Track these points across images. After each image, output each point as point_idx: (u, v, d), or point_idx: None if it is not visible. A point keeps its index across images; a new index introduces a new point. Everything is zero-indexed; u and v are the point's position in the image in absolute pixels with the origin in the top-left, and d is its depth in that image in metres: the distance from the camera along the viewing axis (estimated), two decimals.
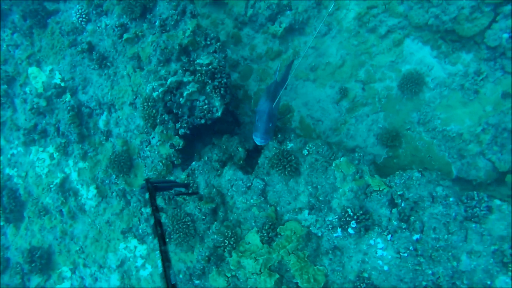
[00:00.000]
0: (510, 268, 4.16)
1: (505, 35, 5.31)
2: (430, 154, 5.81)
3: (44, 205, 6.63)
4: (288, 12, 6.63)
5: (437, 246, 4.41)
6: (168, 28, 5.66)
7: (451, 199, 4.60)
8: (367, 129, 6.29)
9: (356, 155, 5.06)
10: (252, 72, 7.05)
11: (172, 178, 5.49)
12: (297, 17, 6.60)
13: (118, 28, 5.76)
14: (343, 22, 6.58)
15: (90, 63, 6.14)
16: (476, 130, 5.53)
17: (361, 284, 4.44)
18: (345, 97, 6.42)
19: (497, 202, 4.60)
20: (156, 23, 5.71)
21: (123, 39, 5.69)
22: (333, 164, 4.95)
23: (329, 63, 6.58)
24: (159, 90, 5.17)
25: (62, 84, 6.31)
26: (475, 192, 4.63)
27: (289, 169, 4.98)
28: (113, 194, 5.76)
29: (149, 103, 5.40)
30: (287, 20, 6.62)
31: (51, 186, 6.29)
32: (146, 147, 5.53)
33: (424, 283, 4.31)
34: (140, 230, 5.62)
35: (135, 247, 5.63)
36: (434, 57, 6.08)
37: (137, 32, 5.67)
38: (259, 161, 5.36)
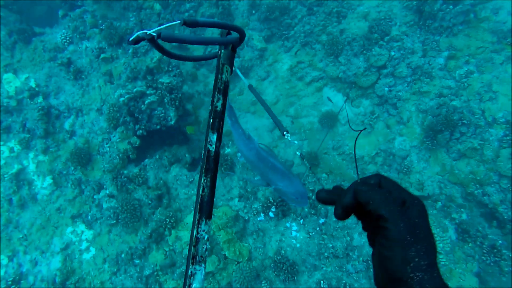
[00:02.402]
0: None
1: (386, 89, 7.43)
2: (340, 171, 7.32)
3: None
4: (236, 59, 8.43)
5: (337, 227, 5.61)
6: (139, 55, 7.04)
7: None
8: (294, 152, 7.76)
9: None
10: (204, 103, 8.48)
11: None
12: (243, 64, 8.39)
13: (97, 49, 7.03)
14: (279, 72, 8.48)
15: (66, 75, 7.17)
16: (372, 154, 7.23)
17: (277, 257, 5.37)
18: (277, 127, 7.97)
19: None
20: (130, 51, 7.09)
21: (100, 58, 6.92)
22: None
23: (266, 100, 8.26)
24: (125, 97, 6.31)
25: (37, 89, 7.15)
26: None
27: (225, 166, 6.13)
28: (69, 184, 6.30)
29: (114, 108, 6.45)
30: (235, 64, 8.36)
31: (5, 176, 6.63)
32: (106, 144, 6.38)
33: (326, 254, 5.37)
34: (89, 217, 6.09)
35: (82, 232, 6.01)
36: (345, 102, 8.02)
37: (113, 54, 6.97)
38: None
